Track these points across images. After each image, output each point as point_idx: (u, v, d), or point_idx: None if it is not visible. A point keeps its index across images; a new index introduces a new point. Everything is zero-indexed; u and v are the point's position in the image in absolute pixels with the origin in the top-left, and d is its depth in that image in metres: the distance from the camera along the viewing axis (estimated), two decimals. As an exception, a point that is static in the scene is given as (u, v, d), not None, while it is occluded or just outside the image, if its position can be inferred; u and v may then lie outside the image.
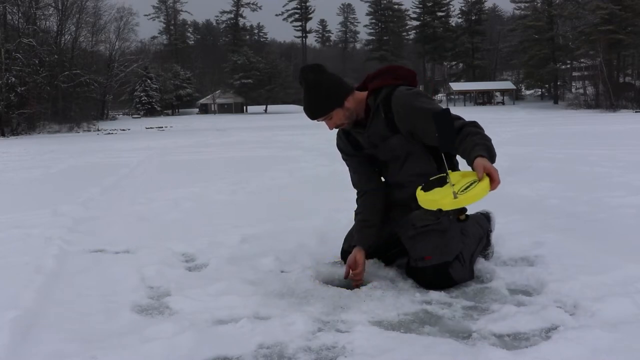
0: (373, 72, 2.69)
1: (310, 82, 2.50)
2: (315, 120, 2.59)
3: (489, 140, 2.29)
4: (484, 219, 2.93)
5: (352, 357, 1.85)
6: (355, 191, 2.83)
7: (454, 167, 2.72)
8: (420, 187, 2.28)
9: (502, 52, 74.44)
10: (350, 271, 2.57)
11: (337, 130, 2.74)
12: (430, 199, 2.17)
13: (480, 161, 2.14)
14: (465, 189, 2.11)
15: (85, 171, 9.50)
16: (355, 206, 2.80)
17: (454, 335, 2.01)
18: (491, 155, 2.21)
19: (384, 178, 2.80)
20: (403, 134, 2.54)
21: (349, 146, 2.75)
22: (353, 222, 2.88)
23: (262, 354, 1.90)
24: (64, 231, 3.97)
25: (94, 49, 55.19)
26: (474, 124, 2.36)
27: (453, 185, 2.16)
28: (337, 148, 2.84)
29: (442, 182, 2.25)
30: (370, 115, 2.58)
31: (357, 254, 2.58)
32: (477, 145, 2.22)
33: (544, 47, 57.60)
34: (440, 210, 2.15)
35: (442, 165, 2.59)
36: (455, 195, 2.10)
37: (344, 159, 2.84)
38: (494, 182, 2.11)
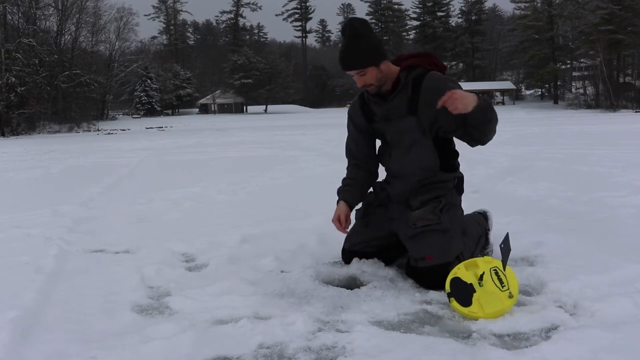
0: (408, 53, 2.73)
1: (357, 31, 2.48)
2: (348, 72, 2.57)
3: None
4: (482, 218, 2.93)
5: (352, 357, 1.84)
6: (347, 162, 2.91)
7: (456, 168, 2.73)
8: (454, 301, 2.19)
9: (502, 52, 74.40)
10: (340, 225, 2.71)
11: (351, 105, 2.82)
12: (495, 312, 2.11)
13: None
14: (501, 282, 2.17)
15: (85, 171, 9.50)
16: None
17: (454, 335, 2.01)
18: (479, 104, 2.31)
19: (385, 167, 2.80)
20: (422, 117, 2.54)
21: (361, 117, 2.75)
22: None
23: (262, 354, 1.90)
24: (64, 231, 3.97)
25: (94, 49, 55.14)
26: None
27: (484, 283, 2.18)
28: (347, 115, 2.86)
29: (465, 285, 2.20)
30: (397, 88, 2.58)
31: (345, 209, 2.72)
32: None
33: (544, 47, 57.58)
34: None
35: (446, 161, 2.63)
36: (510, 295, 2.14)
37: (348, 128, 2.86)
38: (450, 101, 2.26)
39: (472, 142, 2.54)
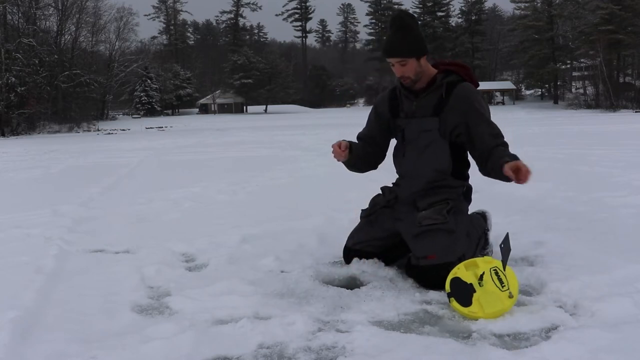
0: (447, 60, 2.82)
1: (405, 23, 2.61)
2: (390, 59, 2.64)
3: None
4: (481, 218, 2.94)
5: (352, 357, 1.84)
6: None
7: (466, 178, 2.74)
8: (454, 301, 2.19)
9: (502, 52, 74.43)
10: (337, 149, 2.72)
11: (381, 95, 2.90)
12: (495, 312, 2.11)
13: (507, 167, 2.43)
14: (501, 282, 2.17)
15: (85, 171, 9.50)
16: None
17: (454, 335, 2.01)
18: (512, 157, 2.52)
19: (398, 168, 2.83)
20: (444, 121, 2.62)
21: (387, 108, 2.82)
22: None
23: (262, 354, 1.90)
24: (64, 231, 3.97)
25: (94, 49, 55.12)
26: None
27: (485, 283, 2.18)
28: (374, 104, 2.94)
29: (465, 285, 2.20)
30: (431, 87, 2.66)
31: (345, 141, 2.74)
32: (501, 158, 2.50)
33: (544, 47, 57.56)
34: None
35: (458, 168, 2.68)
36: (510, 295, 2.15)
37: (369, 117, 2.92)
38: (520, 177, 2.42)
39: (482, 172, 2.67)
